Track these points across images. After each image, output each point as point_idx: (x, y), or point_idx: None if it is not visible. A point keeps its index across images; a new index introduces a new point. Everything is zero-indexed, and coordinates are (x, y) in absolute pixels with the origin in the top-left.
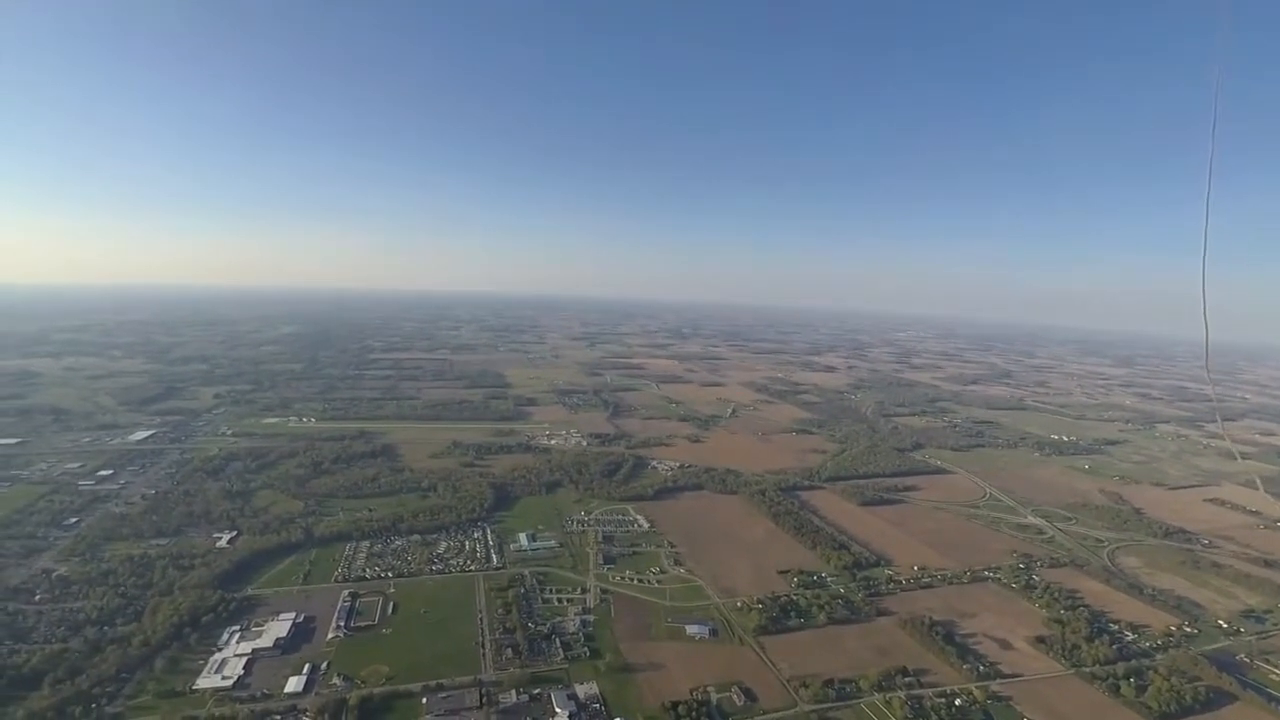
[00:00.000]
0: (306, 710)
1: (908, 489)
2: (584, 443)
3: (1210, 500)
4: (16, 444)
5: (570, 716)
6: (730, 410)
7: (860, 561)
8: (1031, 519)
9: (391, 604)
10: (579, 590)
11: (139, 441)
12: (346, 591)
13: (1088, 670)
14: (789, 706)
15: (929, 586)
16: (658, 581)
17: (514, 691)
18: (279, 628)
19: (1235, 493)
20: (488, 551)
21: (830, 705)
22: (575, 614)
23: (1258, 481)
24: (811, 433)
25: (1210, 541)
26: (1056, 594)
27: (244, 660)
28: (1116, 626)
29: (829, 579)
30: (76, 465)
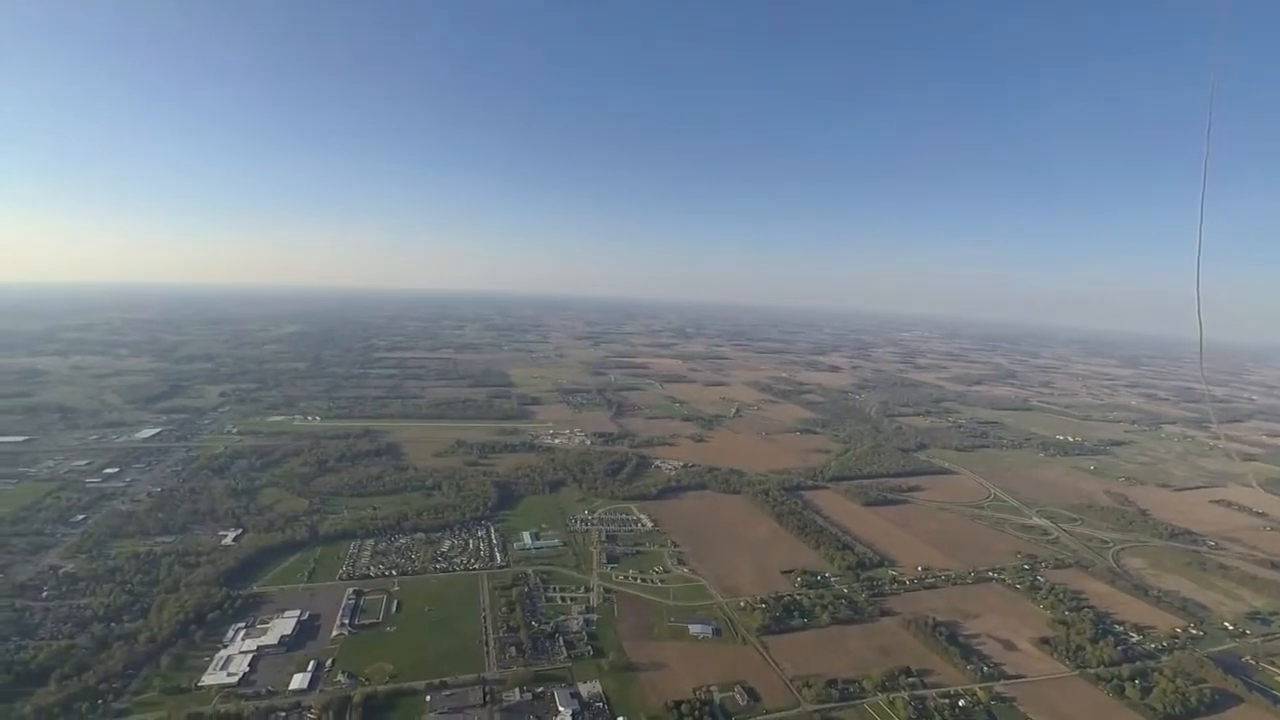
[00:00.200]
0: (311, 707)
1: (912, 489)
2: (588, 442)
3: (1216, 501)
4: (24, 441)
5: (573, 715)
6: (734, 410)
7: (864, 562)
8: (1036, 520)
9: (395, 602)
10: (582, 589)
11: (145, 439)
12: (351, 589)
13: (1092, 672)
14: (792, 706)
15: (933, 587)
16: (661, 581)
17: (517, 690)
18: (284, 625)
19: (1241, 494)
20: (491, 550)
21: (833, 705)
22: (578, 613)
23: (1253, 481)
24: (815, 433)
25: (1216, 543)
26: (1061, 595)
27: (249, 657)
28: (1121, 628)
29: (832, 579)
30: (83, 463)
